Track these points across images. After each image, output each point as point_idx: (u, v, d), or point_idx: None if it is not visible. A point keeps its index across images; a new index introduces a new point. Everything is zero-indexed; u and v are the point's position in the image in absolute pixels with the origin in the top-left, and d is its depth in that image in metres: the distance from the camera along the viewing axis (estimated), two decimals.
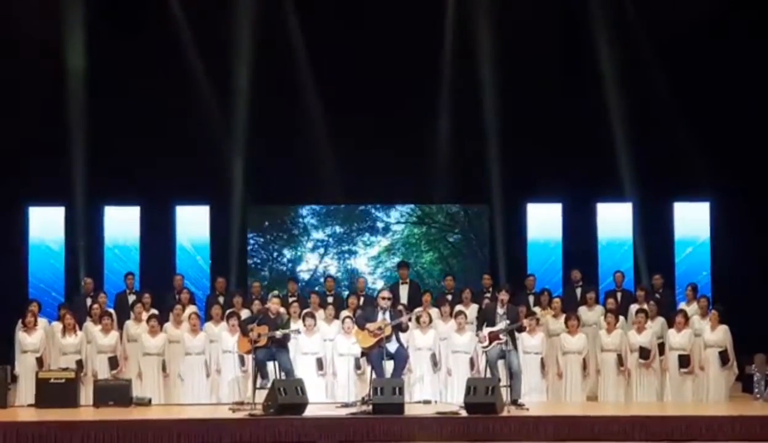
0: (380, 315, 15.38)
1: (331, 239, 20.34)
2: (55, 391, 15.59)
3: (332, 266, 20.26)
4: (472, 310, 17.04)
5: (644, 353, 16.16)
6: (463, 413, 14.42)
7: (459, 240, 20.38)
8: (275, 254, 20.28)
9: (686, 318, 16.41)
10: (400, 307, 16.52)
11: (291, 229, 20.32)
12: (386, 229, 20.34)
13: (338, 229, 20.37)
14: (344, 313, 16.90)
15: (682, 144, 19.13)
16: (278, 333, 15.34)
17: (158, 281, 18.15)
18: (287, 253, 20.32)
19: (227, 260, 19.51)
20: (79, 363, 16.07)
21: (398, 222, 20.37)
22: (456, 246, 20.34)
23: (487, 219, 20.07)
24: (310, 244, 20.32)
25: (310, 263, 20.31)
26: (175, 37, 19.41)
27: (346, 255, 20.33)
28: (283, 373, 15.30)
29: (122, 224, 19.40)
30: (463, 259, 20.28)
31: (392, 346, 15.33)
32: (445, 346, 16.47)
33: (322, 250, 20.33)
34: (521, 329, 15.69)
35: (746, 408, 15.27)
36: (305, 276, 20.20)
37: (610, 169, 19.38)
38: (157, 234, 19.46)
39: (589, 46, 19.23)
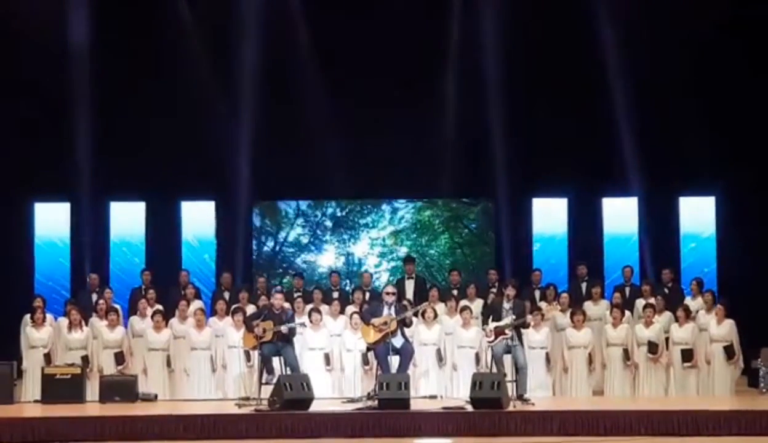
0: (385, 310, 15.38)
1: (331, 223, 20.25)
2: (61, 387, 15.62)
3: (331, 251, 20.13)
4: (477, 305, 17.03)
5: (652, 348, 16.15)
6: (469, 408, 14.42)
7: (476, 228, 20.27)
8: (280, 249, 20.23)
9: (687, 312, 16.39)
10: (405, 302, 16.52)
11: (294, 223, 20.26)
12: (394, 212, 20.28)
13: (340, 214, 20.28)
14: (350, 308, 16.90)
15: (687, 138, 19.09)
16: (283, 328, 15.35)
17: (164, 277, 18.15)
18: (292, 248, 20.26)
19: (233, 255, 19.51)
20: (85, 358, 16.10)
21: (407, 205, 20.26)
22: (474, 233, 20.22)
23: (493, 214, 20.05)
24: (310, 236, 20.24)
25: (318, 256, 20.24)
26: (181, 33, 19.42)
27: (349, 241, 20.22)
28: (288, 368, 15.31)
29: (128, 220, 19.41)
30: (481, 246, 20.15)
31: (398, 341, 15.31)
32: (451, 341, 16.47)
33: (326, 239, 20.26)
34: (525, 325, 15.66)
35: (752, 403, 15.26)
36: (312, 267, 20.16)
37: (615, 163, 19.37)
38: (163, 230, 19.49)
39: (595, 40, 19.19)
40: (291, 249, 20.21)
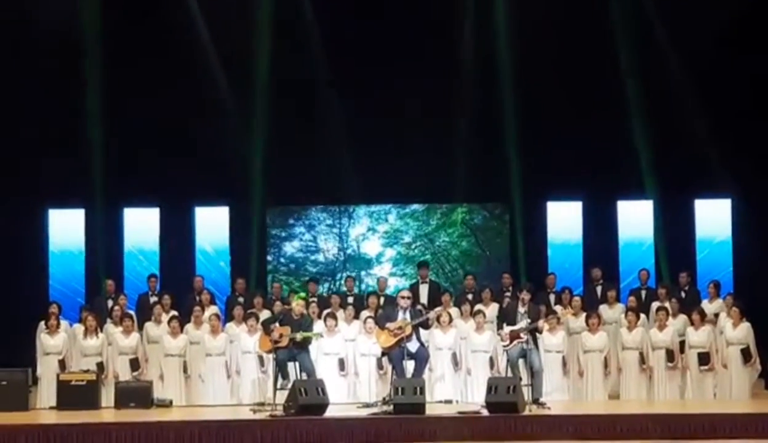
0: (400, 315, 15.35)
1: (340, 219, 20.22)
2: (77, 393, 15.64)
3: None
4: (492, 309, 17.01)
5: (670, 356, 16.09)
6: (485, 412, 14.39)
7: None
8: (292, 254, 20.15)
9: (702, 315, 16.33)
10: (420, 307, 16.49)
11: (308, 227, 20.19)
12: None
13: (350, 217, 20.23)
14: (365, 313, 16.88)
15: (702, 141, 19.05)
16: (298, 336, 15.27)
17: (178, 282, 18.17)
18: (304, 253, 20.19)
19: (247, 261, 19.50)
20: (100, 365, 16.11)
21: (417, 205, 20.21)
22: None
23: (508, 218, 19.99)
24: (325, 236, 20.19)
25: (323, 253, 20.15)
26: (194, 38, 19.45)
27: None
28: (304, 374, 15.28)
29: (142, 226, 19.41)
30: (494, 236, 20.07)
31: (413, 346, 15.29)
32: (465, 346, 16.44)
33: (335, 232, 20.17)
34: (538, 330, 15.59)
35: None
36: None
37: (630, 167, 19.31)
38: (177, 236, 19.46)
39: (610, 43, 19.16)
40: (275, 231, 20.11)
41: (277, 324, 15.34)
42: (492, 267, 19.75)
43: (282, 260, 20.03)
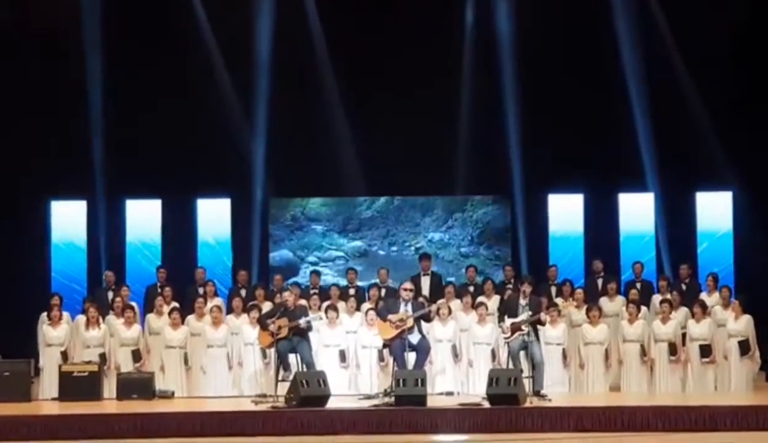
0: (402, 307, 15.36)
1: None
2: (79, 384, 15.67)
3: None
4: (494, 301, 17.01)
5: (672, 349, 16.10)
6: (486, 404, 14.41)
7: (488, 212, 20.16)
8: (294, 245, 20.12)
9: (704, 308, 16.34)
10: (422, 299, 16.50)
11: (310, 218, 20.16)
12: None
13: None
14: (366, 305, 16.89)
15: (703, 133, 19.05)
16: (302, 321, 15.26)
17: (180, 274, 18.16)
18: (306, 244, 20.16)
19: (249, 253, 19.51)
20: (103, 356, 16.13)
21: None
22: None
23: (509, 210, 19.99)
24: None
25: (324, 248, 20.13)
26: (196, 30, 19.46)
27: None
28: (304, 365, 15.30)
29: (144, 218, 19.41)
30: (496, 228, 20.02)
31: (414, 338, 15.30)
32: (467, 338, 16.45)
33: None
34: (540, 322, 15.59)
35: None
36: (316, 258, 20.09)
37: (631, 159, 19.32)
38: (179, 228, 19.46)
39: (611, 35, 19.17)
40: (278, 222, 20.07)
41: (275, 319, 15.34)
42: (494, 259, 19.77)
43: (284, 251, 20.01)
